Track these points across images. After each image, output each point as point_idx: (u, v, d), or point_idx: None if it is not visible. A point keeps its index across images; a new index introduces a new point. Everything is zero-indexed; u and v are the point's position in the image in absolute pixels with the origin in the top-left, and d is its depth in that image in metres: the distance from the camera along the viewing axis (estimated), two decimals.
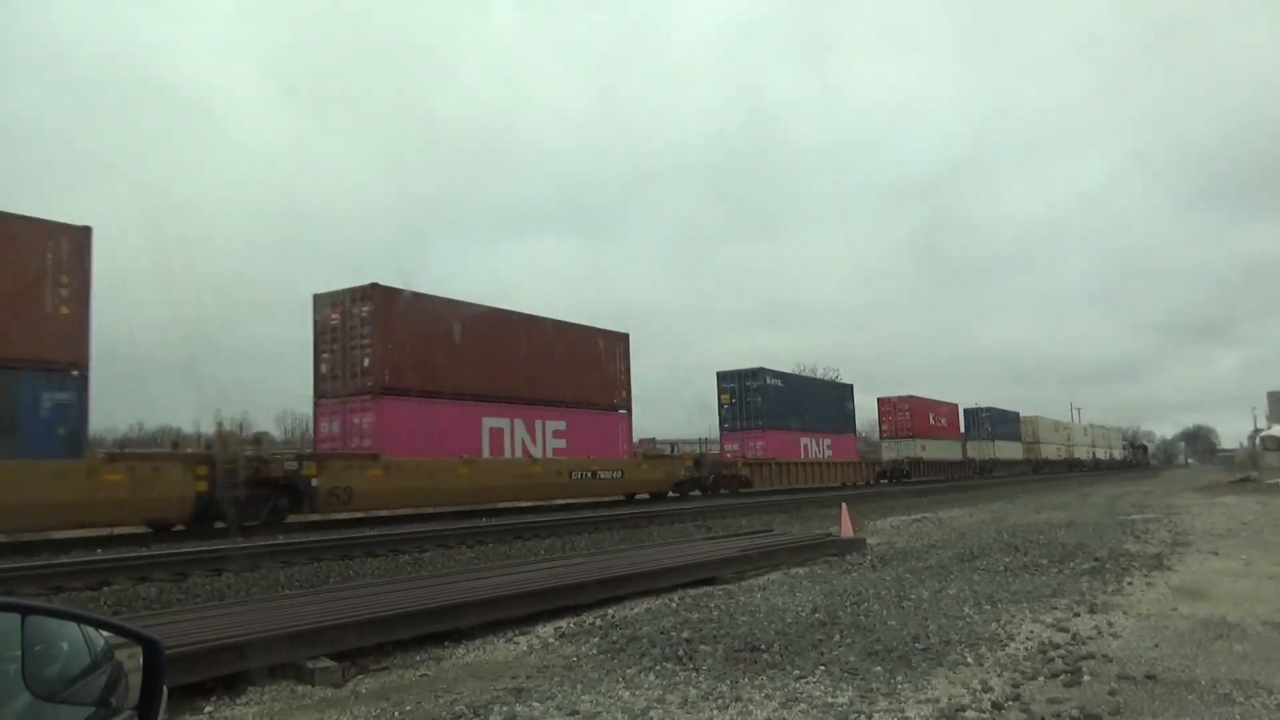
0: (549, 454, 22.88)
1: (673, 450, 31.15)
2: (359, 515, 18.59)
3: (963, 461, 49.48)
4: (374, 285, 19.35)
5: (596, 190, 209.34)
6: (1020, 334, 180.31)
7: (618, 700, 4.28)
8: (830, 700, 4.18)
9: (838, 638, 5.55)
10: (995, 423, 54.83)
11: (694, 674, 4.75)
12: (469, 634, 6.02)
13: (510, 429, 21.93)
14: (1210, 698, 4.13)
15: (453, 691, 4.58)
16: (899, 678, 4.56)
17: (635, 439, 27.80)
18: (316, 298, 20.09)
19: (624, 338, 26.45)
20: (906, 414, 44.95)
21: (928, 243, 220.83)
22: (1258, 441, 47.12)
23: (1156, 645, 5.29)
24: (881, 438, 46.32)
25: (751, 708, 4.10)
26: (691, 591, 7.86)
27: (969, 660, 4.93)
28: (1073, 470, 64.52)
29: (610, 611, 6.89)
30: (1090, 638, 5.51)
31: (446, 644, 5.80)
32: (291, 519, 16.86)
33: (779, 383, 35.12)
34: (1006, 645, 5.34)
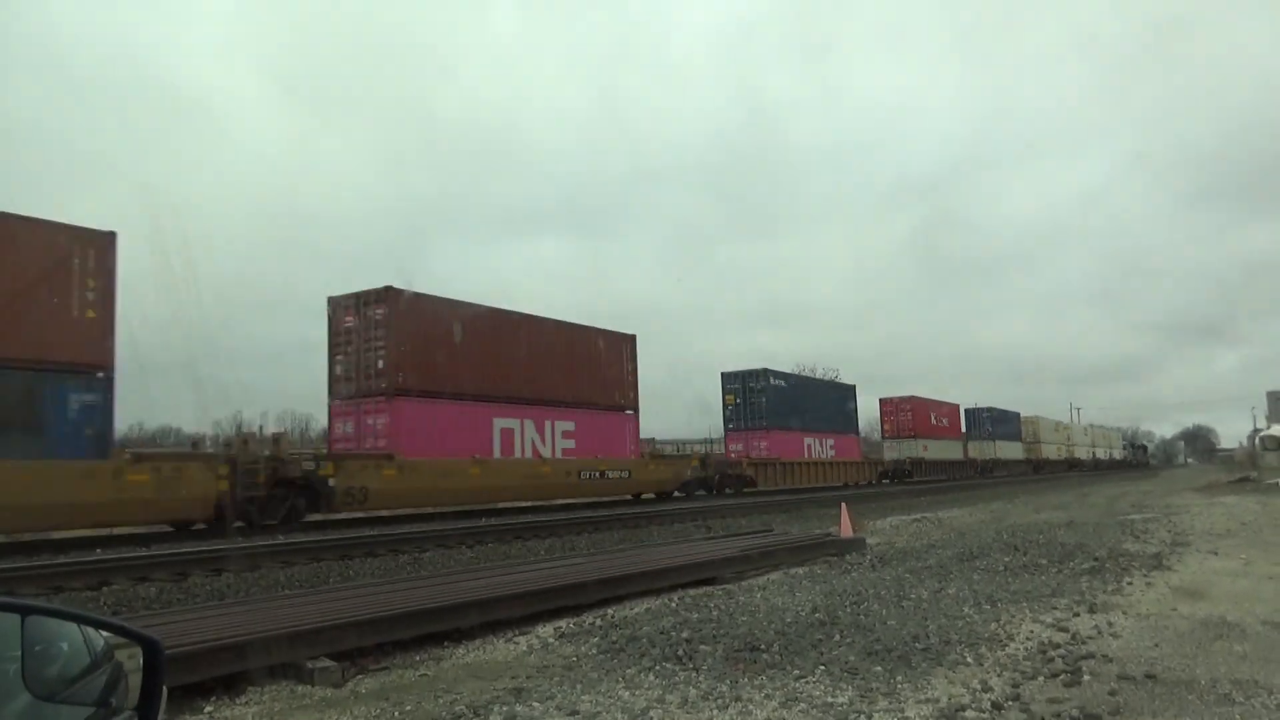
0: (558, 454, 23.14)
1: (679, 450, 31.39)
2: (373, 514, 18.83)
3: (964, 461, 49.57)
4: (388, 288, 19.62)
5: (596, 190, 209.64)
6: (1020, 334, 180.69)
7: (618, 700, 4.28)
8: (830, 700, 4.18)
9: (837, 637, 5.55)
10: (996, 423, 54.92)
11: (694, 674, 4.75)
12: (469, 634, 6.02)
13: (520, 429, 22.19)
14: (1210, 697, 4.13)
15: (453, 691, 4.58)
16: (899, 677, 4.56)
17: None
18: (331, 300, 20.34)
19: (630, 339, 26.64)
20: (908, 414, 45.06)
21: (928, 243, 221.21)
22: (1257, 441, 47.09)
23: (1156, 645, 5.29)
24: (883, 438, 46.42)
25: (751, 707, 4.10)
26: (691, 591, 7.85)
27: (969, 660, 4.93)
28: (1073, 470, 64.59)
29: (610, 611, 6.89)
30: (1090, 637, 5.51)
31: (446, 644, 5.80)
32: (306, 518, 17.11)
33: (783, 383, 35.42)
34: (1006, 645, 5.34)
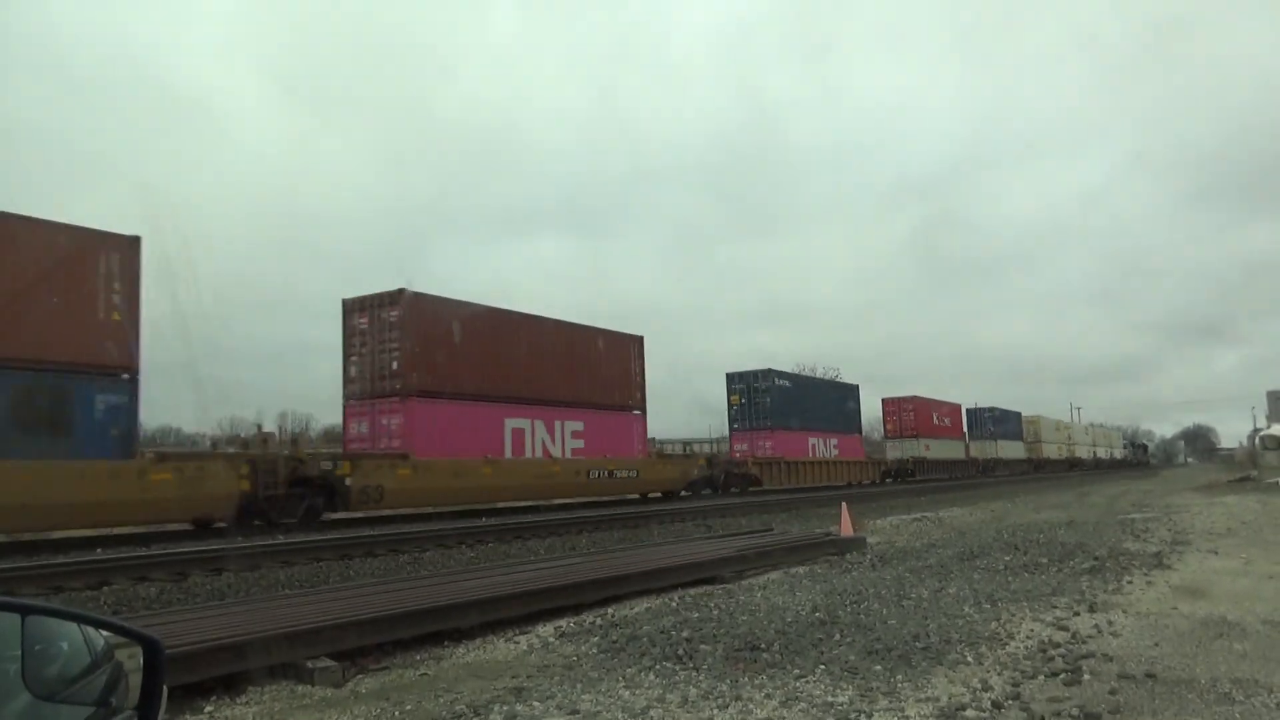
0: (568, 454, 23.39)
1: (686, 450, 31.69)
2: (388, 514, 19.08)
3: (966, 461, 49.69)
4: (401, 290, 19.92)
5: (596, 190, 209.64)
6: (1020, 334, 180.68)
7: (618, 699, 4.28)
8: (830, 699, 4.18)
9: (838, 637, 5.55)
10: (998, 422, 55.06)
11: (694, 673, 4.75)
12: (469, 633, 6.02)
13: (531, 429, 22.46)
14: (1210, 696, 4.13)
15: (453, 691, 4.58)
16: (899, 677, 4.56)
17: None
18: (345, 302, 20.66)
19: (638, 340, 26.91)
20: (911, 414, 45.23)
21: (928, 243, 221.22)
22: (1257, 441, 47.12)
23: (1156, 644, 5.29)
24: (886, 437, 46.55)
25: (751, 707, 4.10)
26: (691, 591, 7.85)
27: (969, 659, 4.93)
28: (1073, 469, 64.67)
29: (610, 611, 6.89)
30: (1090, 636, 5.51)
31: (446, 643, 5.80)
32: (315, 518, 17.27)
33: (787, 384, 35.79)
34: (1006, 644, 5.34)
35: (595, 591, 7.26)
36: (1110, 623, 5.94)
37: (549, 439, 22.95)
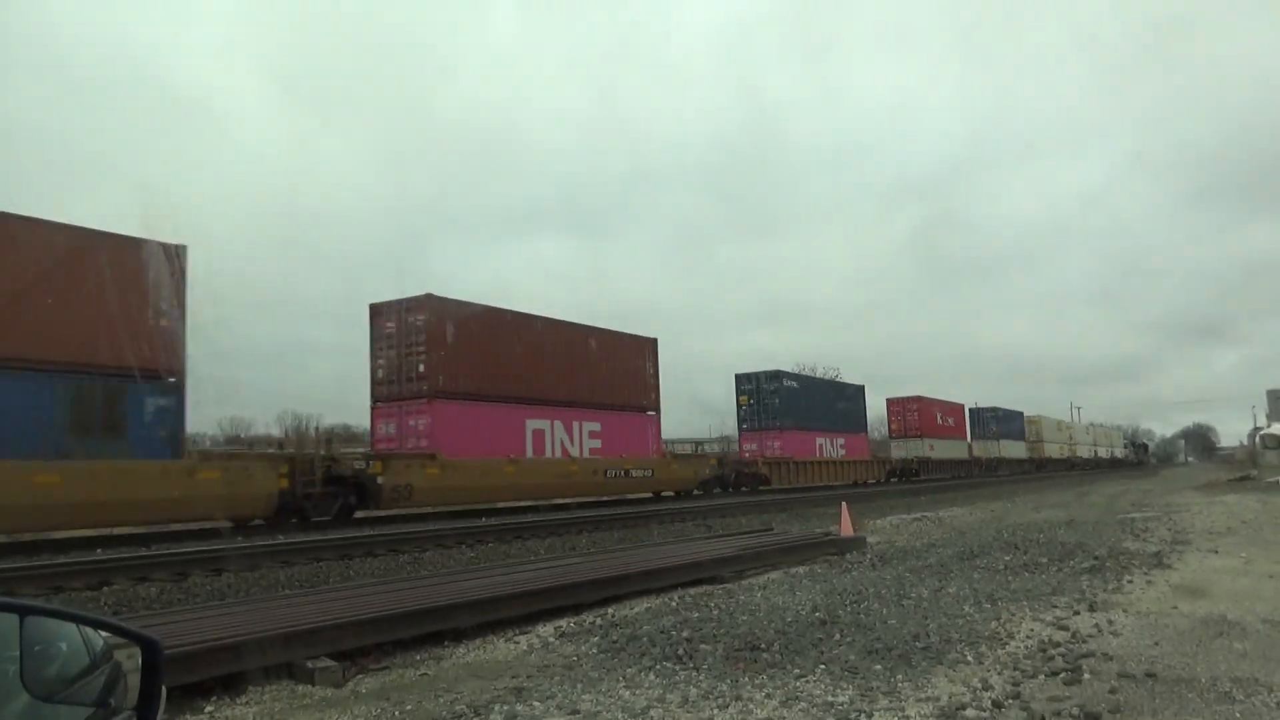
0: (585, 454, 23.99)
1: (697, 450, 32.31)
2: (418, 511, 19.53)
3: (969, 461, 49.87)
4: (428, 295, 20.49)
5: (596, 190, 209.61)
6: (1020, 334, 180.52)
7: (618, 699, 4.28)
8: (830, 699, 4.18)
9: (838, 636, 5.55)
10: (1000, 422, 55.27)
11: (694, 673, 4.75)
12: (469, 633, 6.02)
13: (550, 430, 23.07)
14: (1210, 695, 4.13)
15: (453, 691, 4.58)
16: (899, 676, 4.56)
17: None
18: (372, 307, 21.27)
19: (652, 342, 27.43)
20: (915, 414, 45.55)
21: (928, 243, 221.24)
22: (1257, 440, 47.13)
23: (1156, 643, 5.29)
24: (890, 437, 46.79)
25: (752, 706, 4.10)
26: (691, 591, 7.85)
27: (969, 659, 4.93)
28: (1074, 469, 64.77)
29: (610, 611, 6.89)
30: (1090, 636, 5.51)
31: (446, 643, 5.80)
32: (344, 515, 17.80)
33: (795, 384, 36.44)
34: (1006, 643, 5.34)
35: (595, 591, 7.26)
36: (1110, 622, 5.94)
37: (568, 439, 23.57)
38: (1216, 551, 10.03)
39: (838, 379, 51.17)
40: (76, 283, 13.89)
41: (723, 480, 30.24)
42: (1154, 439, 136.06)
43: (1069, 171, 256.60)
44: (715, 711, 4.05)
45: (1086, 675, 4.52)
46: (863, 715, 3.92)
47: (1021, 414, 60.08)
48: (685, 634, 5.70)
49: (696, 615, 6.44)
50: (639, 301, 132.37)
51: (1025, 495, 26.62)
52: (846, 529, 11.98)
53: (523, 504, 22.35)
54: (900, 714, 3.93)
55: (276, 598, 7.47)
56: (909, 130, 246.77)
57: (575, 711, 4.08)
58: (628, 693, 4.40)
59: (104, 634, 1.71)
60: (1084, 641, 5.35)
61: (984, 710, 3.96)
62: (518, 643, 5.84)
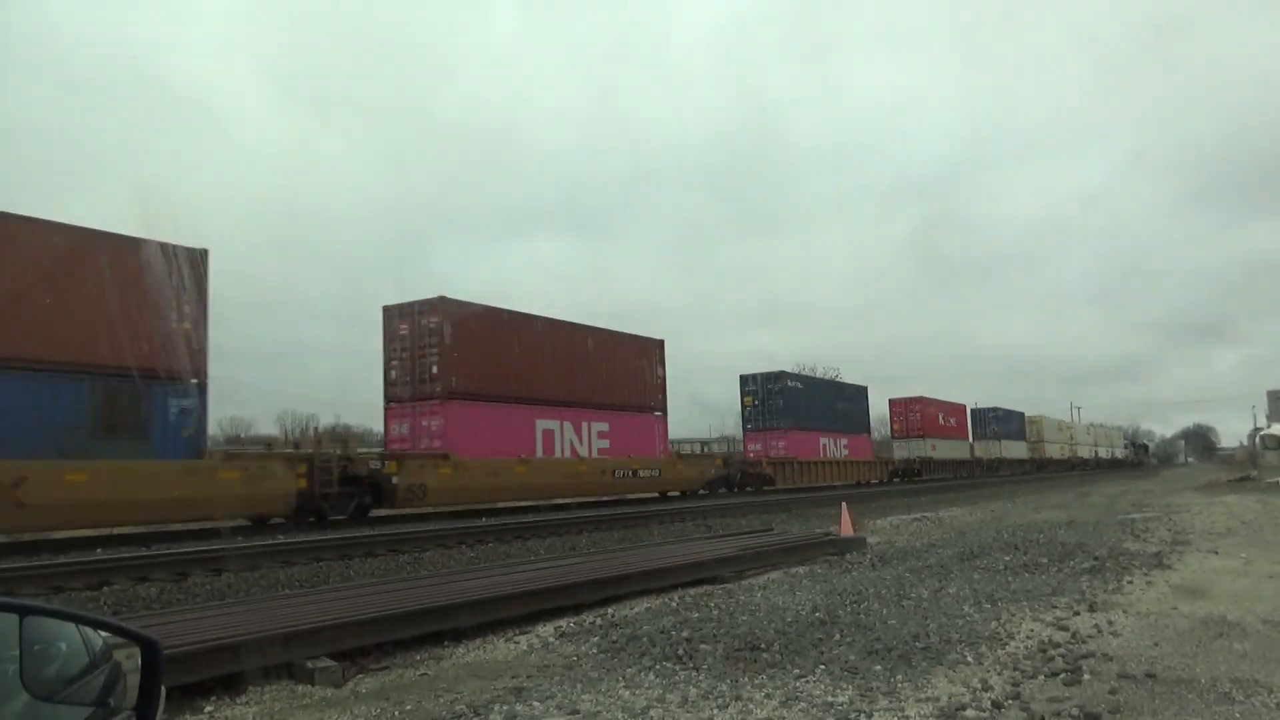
0: (594, 454, 24.32)
1: (703, 450, 32.70)
2: (432, 511, 19.77)
3: (971, 461, 50.02)
4: (441, 298, 20.87)
5: (596, 190, 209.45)
6: (1020, 334, 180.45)
7: (618, 699, 4.28)
8: (830, 699, 4.18)
9: (838, 637, 5.55)
10: (1001, 422, 55.48)
11: (694, 673, 4.75)
12: (469, 633, 6.02)
13: (560, 430, 23.43)
14: (1210, 696, 4.13)
15: (453, 691, 4.58)
16: (899, 676, 4.56)
17: None
18: (385, 309, 21.62)
19: (659, 343, 27.76)
20: (917, 414, 45.86)
21: (928, 243, 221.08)
22: (1257, 440, 47.14)
23: (1156, 644, 5.29)
24: (893, 437, 46.95)
25: (751, 706, 4.10)
26: (691, 591, 7.85)
27: (969, 659, 4.93)
28: (1074, 469, 64.86)
29: (610, 611, 6.89)
30: (1090, 636, 5.51)
31: (446, 643, 5.80)
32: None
33: (799, 385, 36.92)
34: (1006, 644, 5.34)
35: (595, 591, 7.26)
36: (1110, 622, 5.94)
37: (577, 439, 23.90)
38: (1216, 552, 10.02)
39: (838, 379, 51.35)
40: (105, 286, 14.12)
41: (728, 480, 30.56)
42: (1154, 439, 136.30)
43: (1069, 171, 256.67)
44: (715, 711, 4.05)
45: (1086, 676, 4.52)
46: (862, 715, 3.92)
47: (1023, 414, 60.22)
48: (685, 634, 5.70)
49: (696, 615, 6.44)
50: (639, 301, 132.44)
51: (1025, 496, 26.63)
52: (846, 529, 11.98)
53: (524, 504, 22.41)
54: (900, 714, 3.93)
55: (276, 598, 7.47)
56: (909, 130, 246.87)
57: (575, 711, 4.09)
58: (627, 693, 4.40)
59: (104, 634, 1.71)
60: (1084, 642, 5.35)
61: (984, 711, 3.96)
62: (518, 643, 5.84)
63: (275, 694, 4.65)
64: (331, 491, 17.17)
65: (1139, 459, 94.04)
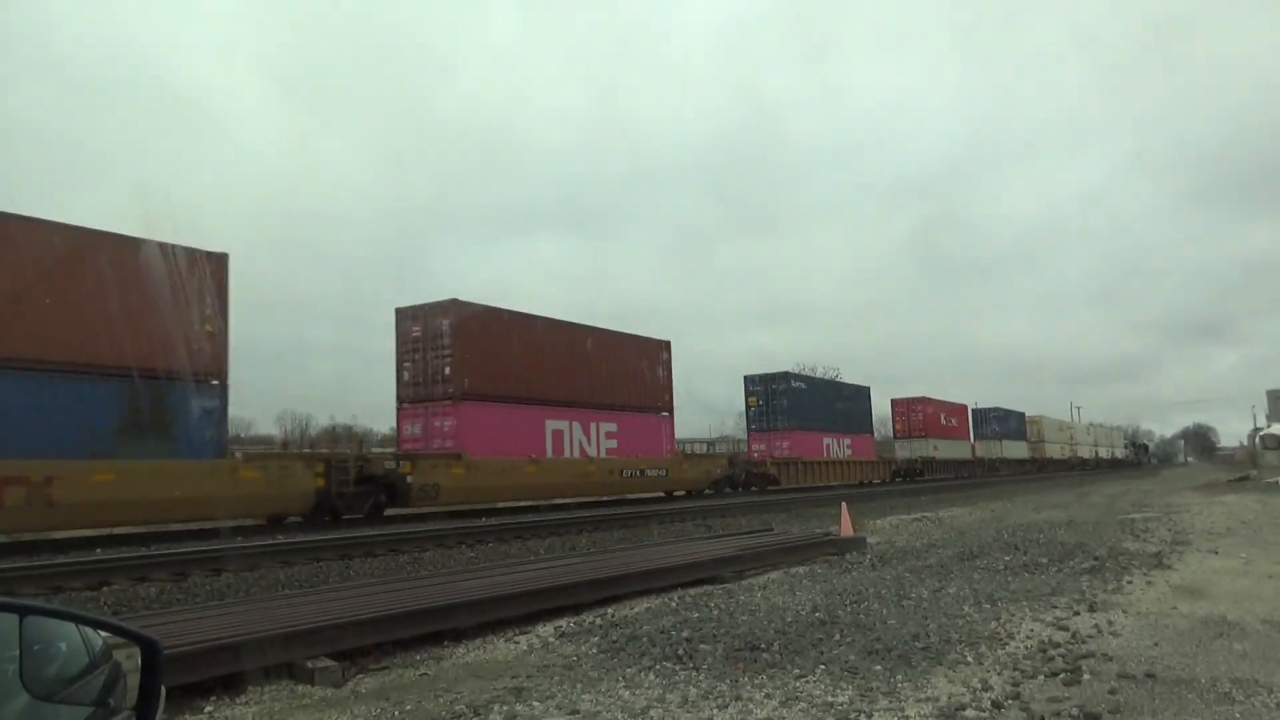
0: (602, 454, 24.59)
1: (709, 450, 32.96)
2: (446, 509, 19.90)
3: (972, 461, 50.14)
4: (454, 300, 21.19)
5: (596, 190, 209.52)
6: (1020, 334, 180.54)
7: (618, 699, 4.28)
8: (830, 699, 4.18)
9: (837, 636, 5.54)
10: (1002, 422, 55.64)
11: (694, 673, 4.75)
12: (469, 633, 6.02)
13: (569, 430, 23.69)
14: (1210, 696, 4.13)
15: (453, 691, 4.58)
16: (899, 676, 4.56)
17: None
18: (398, 311, 21.89)
19: (665, 344, 28.00)
20: (919, 415, 46.04)
21: (928, 243, 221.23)
22: (1257, 440, 47.14)
23: (1156, 644, 5.29)
24: (895, 437, 47.08)
25: (751, 706, 4.10)
26: (691, 591, 7.85)
27: (969, 659, 4.93)
28: (1074, 469, 64.92)
29: (610, 611, 6.89)
30: (1090, 636, 5.51)
31: (446, 643, 5.80)
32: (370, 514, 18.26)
33: (803, 386, 37.25)
34: (1006, 644, 5.34)
35: (595, 591, 7.26)
36: (1110, 622, 5.94)
37: (585, 439, 24.15)
38: (1216, 552, 10.02)
39: (837, 379, 51.40)
40: (133, 291, 14.48)
41: (733, 480, 30.79)
42: (1154, 439, 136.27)
43: (1069, 171, 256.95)
44: (715, 711, 4.05)
45: (1086, 676, 4.52)
46: (862, 715, 3.92)
47: (1024, 414, 60.34)
48: (685, 634, 5.70)
49: (696, 615, 6.44)
50: (639, 302, 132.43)
51: (1025, 495, 26.63)
52: (846, 529, 11.98)
53: (524, 504, 22.43)
54: (900, 714, 3.93)
55: (276, 598, 7.47)
56: (909, 130, 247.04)
57: (575, 711, 4.08)
58: (627, 693, 4.40)
59: (103, 634, 1.71)
60: (1084, 642, 5.35)
61: (983, 711, 3.96)
62: (518, 643, 5.84)
63: (275, 694, 4.65)
64: (348, 491, 17.45)
65: (1139, 459, 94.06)
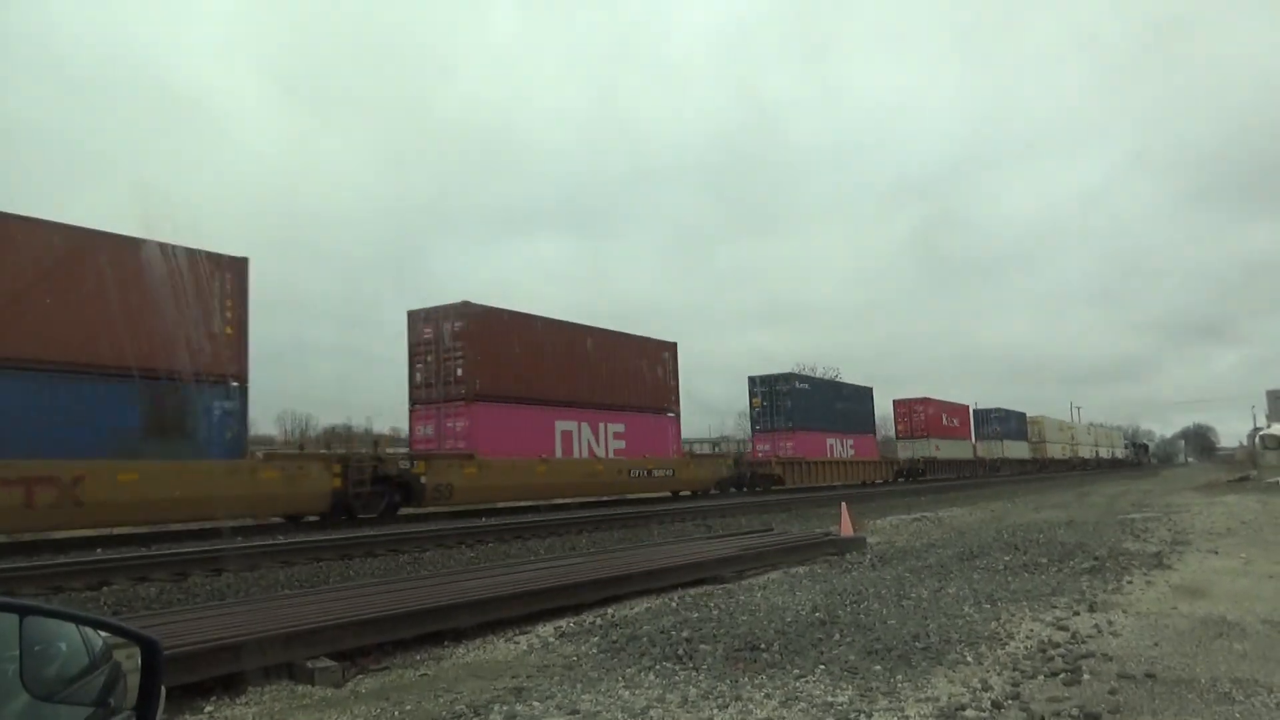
0: (610, 454, 24.87)
1: (715, 450, 33.30)
2: (459, 509, 20.09)
3: (974, 461, 50.22)
4: (465, 303, 21.59)
5: (596, 190, 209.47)
6: (1020, 334, 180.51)
7: (618, 699, 4.28)
8: (830, 699, 4.18)
9: (837, 637, 5.55)
10: (1003, 423, 55.73)
11: (694, 673, 4.75)
12: (469, 633, 6.02)
13: (578, 431, 24.03)
14: (1210, 696, 4.13)
15: (453, 691, 4.58)
16: (899, 676, 4.56)
17: None
18: (410, 314, 22.27)
19: (671, 346, 28.31)
20: (921, 415, 46.20)
21: (928, 243, 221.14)
22: (1257, 440, 47.11)
23: (1156, 644, 5.29)
24: (897, 437, 47.21)
25: (751, 706, 4.10)
26: (691, 591, 7.85)
27: (969, 659, 4.93)
28: (1075, 469, 64.98)
29: (610, 611, 6.89)
30: (1090, 636, 5.51)
31: (446, 643, 5.80)
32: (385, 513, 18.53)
33: (806, 386, 37.62)
34: (1006, 644, 5.34)
35: (595, 591, 7.26)
36: (1110, 622, 5.94)
37: (594, 440, 24.47)
38: (1216, 552, 10.02)
39: (838, 379, 51.47)
40: (156, 295, 14.70)
41: (738, 480, 31.01)
42: (1154, 439, 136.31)
43: (1069, 171, 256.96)
44: (715, 711, 4.05)
45: (1086, 676, 4.52)
46: (862, 715, 3.92)
47: (1024, 415, 60.45)
48: (685, 634, 5.70)
49: (696, 615, 6.44)
50: (639, 302, 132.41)
51: (1025, 495, 26.63)
52: (846, 529, 11.98)
53: (526, 504, 22.46)
54: (900, 714, 3.93)
55: (276, 598, 7.47)
56: (909, 130, 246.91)
57: (575, 711, 4.09)
58: (627, 693, 4.40)
59: (104, 634, 1.71)
60: (1084, 642, 5.35)
61: (983, 711, 3.96)
62: (518, 643, 5.84)
63: (275, 694, 4.65)
64: (364, 491, 17.68)
65: (1139, 459, 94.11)
